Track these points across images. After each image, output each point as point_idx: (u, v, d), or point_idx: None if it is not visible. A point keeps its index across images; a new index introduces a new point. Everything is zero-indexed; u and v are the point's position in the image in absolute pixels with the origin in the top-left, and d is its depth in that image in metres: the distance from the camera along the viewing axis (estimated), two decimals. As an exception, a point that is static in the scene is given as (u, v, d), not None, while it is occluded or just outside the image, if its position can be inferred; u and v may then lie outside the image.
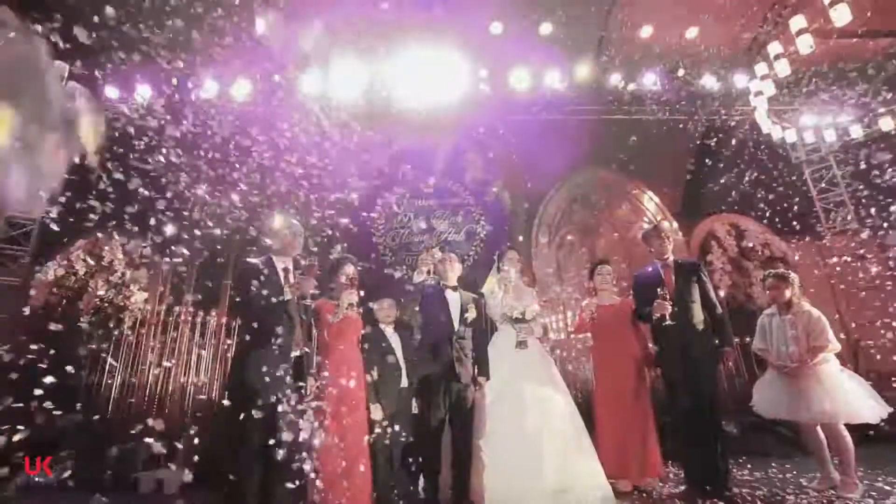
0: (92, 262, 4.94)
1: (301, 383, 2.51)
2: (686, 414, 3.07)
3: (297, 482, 2.43)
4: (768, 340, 3.40)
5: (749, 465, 3.78)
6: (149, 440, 3.50)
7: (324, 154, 5.34)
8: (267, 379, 2.31)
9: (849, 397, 3.00)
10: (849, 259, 6.74)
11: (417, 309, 3.20)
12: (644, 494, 3.07)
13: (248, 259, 2.54)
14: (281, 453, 2.33)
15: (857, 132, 6.66)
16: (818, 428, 3.13)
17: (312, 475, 2.55)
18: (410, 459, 3.01)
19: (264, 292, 2.37)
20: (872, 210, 6.81)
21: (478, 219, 5.85)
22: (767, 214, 6.65)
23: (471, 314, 3.18)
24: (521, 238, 5.74)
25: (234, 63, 6.03)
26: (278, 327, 2.37)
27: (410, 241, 5.69)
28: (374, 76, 5.97)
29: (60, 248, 5.54)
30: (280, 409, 2.34)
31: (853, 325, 6.46)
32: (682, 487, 3.13)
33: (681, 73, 6.83)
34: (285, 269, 2.59)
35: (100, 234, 5.04)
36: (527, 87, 6.42)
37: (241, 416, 2.24)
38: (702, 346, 3.12)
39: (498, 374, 3.14)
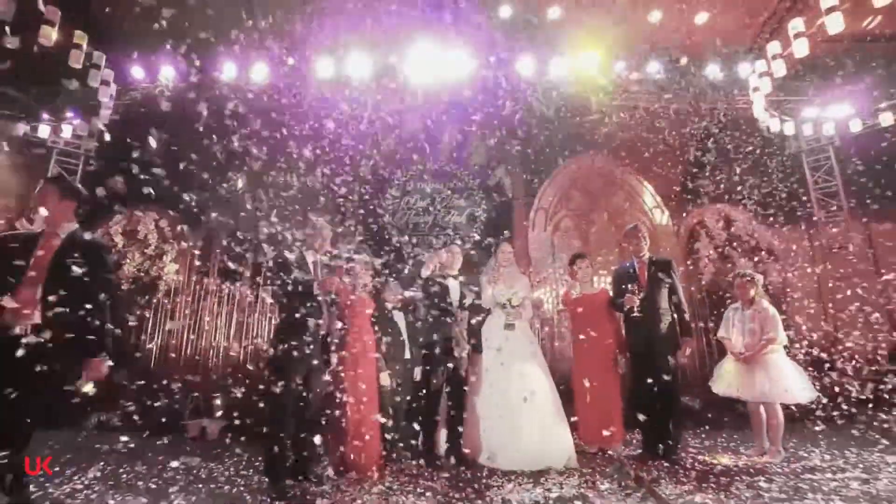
0: (128, 237, 5.53)
1: (326, 356, 3.10)
2: (647, 391, 3.65)
3: (322, 434, 3.09)
4: (730, 330, 3.95)
5: (703, 435, 4.43)
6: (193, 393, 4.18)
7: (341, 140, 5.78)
8: (299, 353, 2.90)
9: (787, 382, 3.57)
10: (836, 248, 7.18)
11: (422, 294, 3.75)
12: (606, 455, 3.71)
13: (284, 253, 3.08)
14: (310, 411, 2.96)
15: (856, 126, 6.89)
16: (760, 406, 3.72)
17: (333, 429, 3.21)
18: (413, 418, 3.65)
19: (298, 282, 2.94)
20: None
21: (479, 202, 6.31)
22: (761, 202, 6.99)
23: (467, 299, 3.76)
24: (514, 221, 6.24)
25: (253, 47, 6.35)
26: (309, 312, 2.94)
27: (417, 222, 6.19)
28: (383, 63, 6.29)
29: (97, 221, 6.14)
30: (310, 376, 2.95)
31: (834, 313, 7.00)
32: (639, 451, 3.76)
33: (683, 60, 7.03)
34: (314, 263, 3.14)
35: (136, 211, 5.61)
36: (531, 74, 6.71)
37: (280, 382, 2.84)
38: (664, 336, 3.67)
39: (488, 350, 3.73)
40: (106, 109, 5.73)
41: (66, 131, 6.08)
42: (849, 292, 6.93)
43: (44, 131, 6.05)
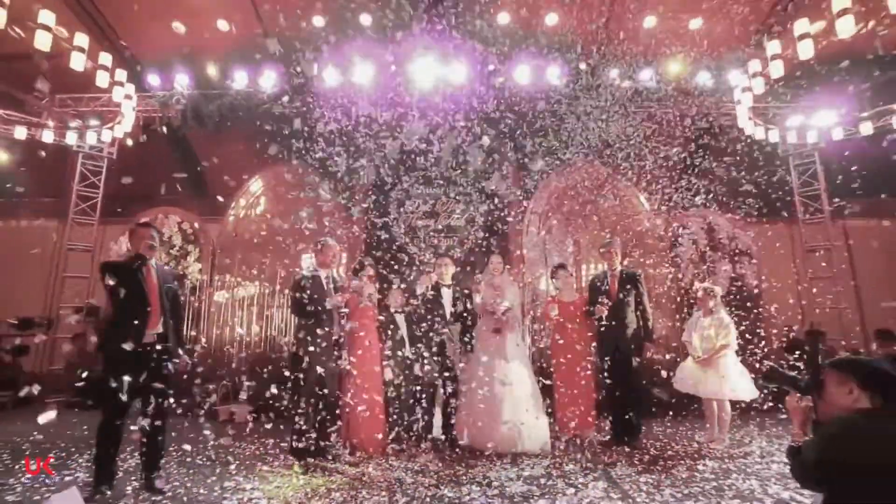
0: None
1: (338, 356, 3.77)
2: (614, 387, 4.32)
3: (336, 420, 3.78)
4: (692, 335, 4.60)
5: (668, 423, 5.12)
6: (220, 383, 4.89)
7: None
8: (318, 352, 3.57)
9: (733, 382, 4.23)
10: (814, 248, 7.79)
11: (417, 302, 4.41)
12: (578, 440, 4.40)
13: (300, 272, 3.72)
14: (326, 401, 3.65)
15: (838, 134, 7.37)
16: (713, 401, 4.39)
17: (346, 416, 3.91)
18: (412, 407, 4.34)
19: (314, 297, 3.58)
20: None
21: (477, 206, 6.89)
22: (748, 205, 7.50)
23: (458, 307, 4.41)
24: (509, 224, 6.83)
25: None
26: (323, 321, 3.60)
27: (419, 226, 6.80)
28: (385, 73, 6.80)
29: (121, 218, 6.81)
30: (325, 373, 3.62)
31: (812, 309, 7.67)
32: (608, 437, 4.45)
33: (674, 68, 7.47)
34: (327, 278, 3.78)
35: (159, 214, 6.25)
36: (528, 81, 7.19)
37: (301, 378, 3.52)
38: (629, 340, 4.32)
39: (478, 351, 4.39)
40: (128, 120, 6.33)
41: (92, 138, 6.68)
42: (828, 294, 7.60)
43: (71, 137, 6.64)
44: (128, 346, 2.84)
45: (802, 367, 4.54)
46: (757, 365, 4.99)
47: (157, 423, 3.04)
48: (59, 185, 7.15)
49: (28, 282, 7.13)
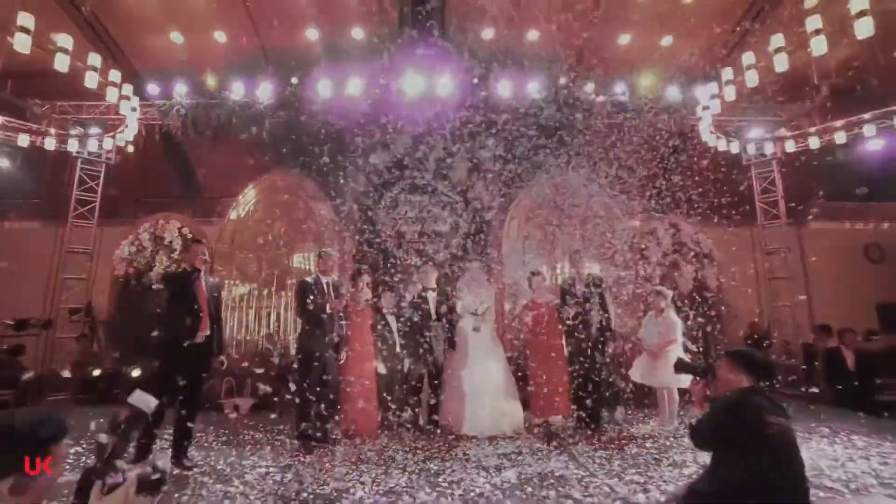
0: (156, 241, 6.69)
1: (337, 353, 4.41)
2: (581, 377, 5.04)
3: (336, 406, 4.43)
4: (646, 332, 5.35)
5: (630, 411, 5.89)
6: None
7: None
8: (319, 349, 4.20)
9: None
10: (773, 250, 8.67)
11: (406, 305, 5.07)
12: (546, 424, 5.12)
13: (305, 279, 4.34)
14: (327, 392, 4.28)
15: (791, 146, 8.25)
16: (664, 389, 5.16)
17: (344, 404, 4.55)
18: (402, 396, 5.01)
19: (316, 301, 4.21)
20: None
21: (461, 213, 7.54)
22: (713, 211, 8.28)
23: (442, 308, 5.08)
24: (490, 229, 7.53)
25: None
26: (325, 322, 4.23)
27: (406, 231, 7.43)
28: (374, 86, 7.39)
29: (119, 222, 7.28)
30: (326, 367, 4.25)
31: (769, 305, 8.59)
32: (574, 422, 5.17)
33: (646, 83, 8.25)
34: (328, 284, 4.40)
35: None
36: (510, 94, 7.86)
37: (306, 369, 4.16)
38: (594, 337, 5.04)
39: (460, 347, 5.07)
40: (131, 130, 6.82)
41: (93, 145, 7.12)
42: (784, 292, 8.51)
43: (73, 145, 7.07)
44: (183, 345, 3.55)
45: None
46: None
47: (191, 410, 3.67)
48: (58, 189, 7.55)
49: (28, 283, 7.54)
